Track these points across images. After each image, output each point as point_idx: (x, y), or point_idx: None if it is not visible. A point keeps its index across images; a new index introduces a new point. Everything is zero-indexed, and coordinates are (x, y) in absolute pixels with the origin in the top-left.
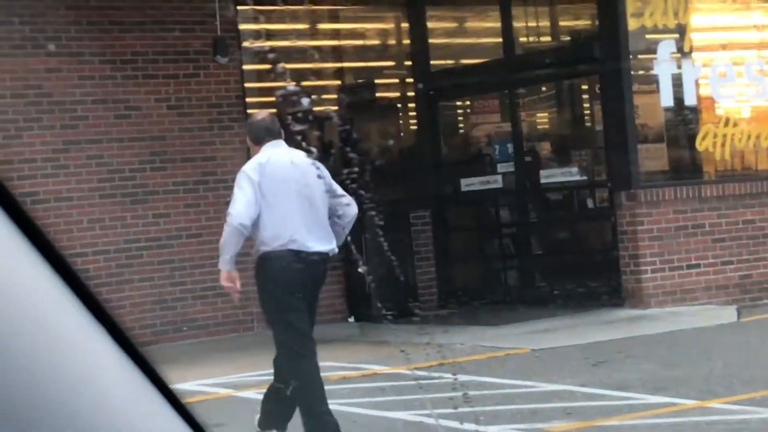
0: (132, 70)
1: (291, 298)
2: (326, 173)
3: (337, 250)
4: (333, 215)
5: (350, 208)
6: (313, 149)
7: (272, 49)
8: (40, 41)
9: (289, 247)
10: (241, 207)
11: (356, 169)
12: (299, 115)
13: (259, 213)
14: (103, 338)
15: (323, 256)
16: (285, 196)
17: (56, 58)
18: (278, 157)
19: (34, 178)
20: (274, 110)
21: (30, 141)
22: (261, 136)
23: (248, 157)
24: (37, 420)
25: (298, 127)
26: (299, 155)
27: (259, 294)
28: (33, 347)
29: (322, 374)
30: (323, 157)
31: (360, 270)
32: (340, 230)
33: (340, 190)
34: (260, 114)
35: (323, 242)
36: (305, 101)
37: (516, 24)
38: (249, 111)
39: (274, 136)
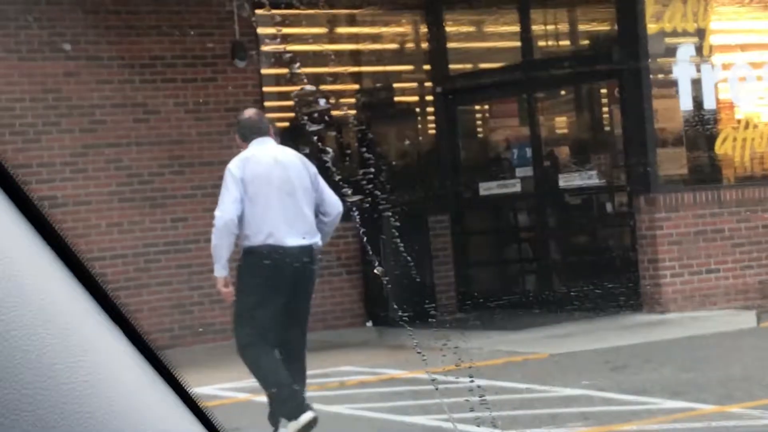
0: (150, 74)
1: (266, 292)
2: (313, 170)
3: (321, 244)
4: (318, 213)
5: (334, 206)
6: (329, 151)
7: (290, 53)
8: (58, 45)
9: (268, 242)
10: (226, 206)
11: (374, 172)
12: (317, 117)
13: (243, 209)
14: (120, 341)
15: (305, 251)
16: (266, 191)
17: (75, 62)
18: (262, 154)
19: (52, 182)
20: (292, 114)
21: (49, 145)
22: (248, 133)
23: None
24: (52, 422)
25: (315, 130)
26: (285, 152)
27: (236, 285)
28: (50, 349)
29: (341, 378)
30: (340, 160)
31: (376, 271)
32: (324, 228)
33: (327, 189)
34: (248, 112)
35: (305, 237)
36: (323, 104)
37: (535, 27)
38: (267, 115)
39: (261, 133)
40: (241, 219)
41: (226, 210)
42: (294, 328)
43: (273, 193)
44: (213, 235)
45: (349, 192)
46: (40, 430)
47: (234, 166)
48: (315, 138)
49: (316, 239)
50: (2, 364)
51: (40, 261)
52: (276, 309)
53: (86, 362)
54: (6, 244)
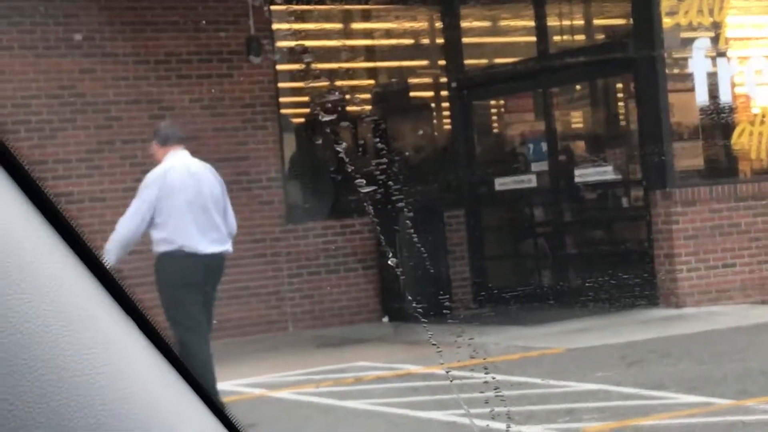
0: (165, 71)
1: (186, 293)
2: (222, 183)
3: (231, 250)
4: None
5: (230, 225)
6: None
7: (306, 49)
8: (74, 42)
9: (183, 249)
10: (131, 223)
11: (389, 167)
12: (332, 113)
13: (155, 217)
14: (135, 336)
15: (217, 257)
16: (181, 201)
17: (90, 59)
18: (179, 165)
19: (68, 179)
20: (308, 109)
21: (64, 141)
22: (168, 140)
23: (282, 158)
24: (67, 414)
25: (330, 126)
26: (198, 164)
27: (159, 291)
28: (64, 342)
29: (357, 374)
30: (356, 155)
31: (390, 262)
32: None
33: (229, 206)
34: (166, 122)
35: (216, 244)
36: (338, 99)
37: (550, 22)
38: (283, 111)
39: (179, 142)
40: (153, 226)
41: (130, 228)
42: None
43: (187, 202)
44: (110, 242)
45: (364, 186)
46: (54, 422)
47: (152, 181)
48: (330, 133)
49: (227, 246)
50: (16, 356)
51: (54, 255)
52: (195, 309)
53: (100, 355)
54: (20, 237)
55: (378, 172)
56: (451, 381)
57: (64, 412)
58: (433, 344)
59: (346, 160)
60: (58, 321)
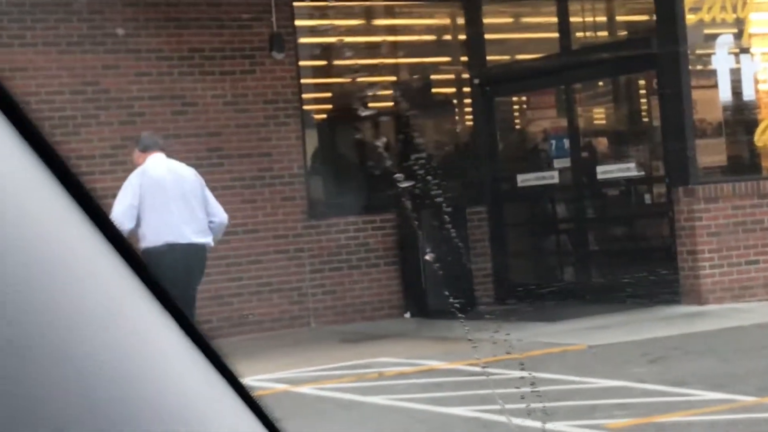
0: (189, 67)
1: (171, 287)
2: (201, 180)
3: (212, 244)
4: (208, 218)
5: (219, 215)
6: (365, 142)
7: (328, 45)
8: (97, 38)
9: (166, 241)
10: (117, 214)
11: (411, 164)
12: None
13: (141, 213)
14: (171, 326)
15: (199, 248)
16: (162, 197)
17: (114, 55)
18: (157, 165)
19: (92, 175)
20: (330, 105)
21: (88, 137)
22: (147, 146)
23: (304, 154)
24: (102, 402)
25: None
26: (176, 164)
27: None
28: (98, 328)
29: (379, 369)
30: (378, 151)
31: (427, 257)
32: (213, 229)
33: (212, 199)
34: (146, 132)
35: (199, 235)
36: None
37: (573, 18)
38: (305, 107)
39: (158, 148)
40: (138, 223)
41: (116, 219)
42: None
43: (168, 198)
44: None
45: (387, 183)
46: (87, 408)
47: (134, 175)
48: (353, 129)
49: (208, 239)
50: (51, 341)
51: (92, 245)
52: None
53: (135, 344)
54: (57, 226)
55: (399, 169)
56: (473, 377)
57: (100, 398)
58: (457, 345)
59: (368, 155)
60: (98, 312)
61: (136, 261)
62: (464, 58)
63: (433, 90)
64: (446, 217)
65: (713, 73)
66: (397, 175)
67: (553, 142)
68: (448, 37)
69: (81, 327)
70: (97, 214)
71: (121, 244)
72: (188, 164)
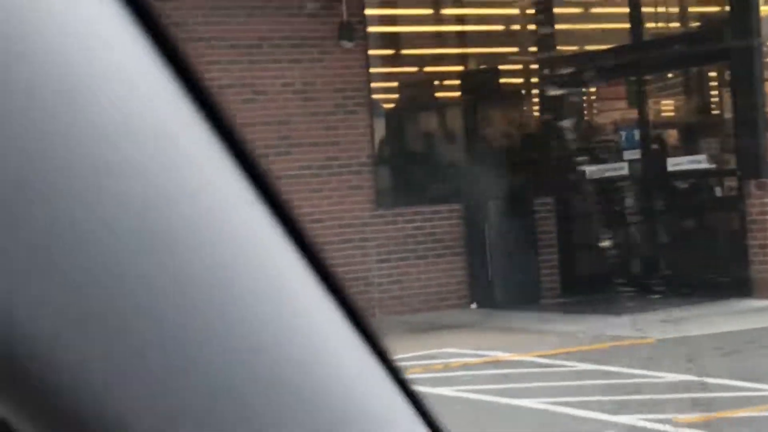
0: (258, 55)
1: None
2: None
3: None
4: None
5: None
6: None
7: (397, 34)
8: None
9: None
10: None
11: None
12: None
13: None
14: (336, 314)
15: None
16: None
17: (182, 44)
18: None
19: None
20: (399, 94)
21: None
22: None
23: (372, 143)
24: (269, 384)
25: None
26: None
27: None
28: (266, 311)
29: (445, 360)
30: (445, 142)
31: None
32: None
33: None
34: None
35: None
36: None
37: (644, 9)
38: (374, 96)
39: None
40: None
41: None
42: None
43: None
44: None
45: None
46: (255, 392)
47: None
48: (419, 120)
49: None
50: (220, 321)
51: (259, 221)
52: None
53: (301, 330)
54: (237, 212)
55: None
56: (540, 369)
57: (268, 377)
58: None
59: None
60: (262, 294)
61: (298, 232)
62: (534, 49)
63: (502, 81)
64: (513, 208)
65: None
66: (466, 166)
67: (623, 133)
68: (517, 27)
69: (240, 298)
70: (269, 194)
71: (287, 218)
72: (256, 153)
